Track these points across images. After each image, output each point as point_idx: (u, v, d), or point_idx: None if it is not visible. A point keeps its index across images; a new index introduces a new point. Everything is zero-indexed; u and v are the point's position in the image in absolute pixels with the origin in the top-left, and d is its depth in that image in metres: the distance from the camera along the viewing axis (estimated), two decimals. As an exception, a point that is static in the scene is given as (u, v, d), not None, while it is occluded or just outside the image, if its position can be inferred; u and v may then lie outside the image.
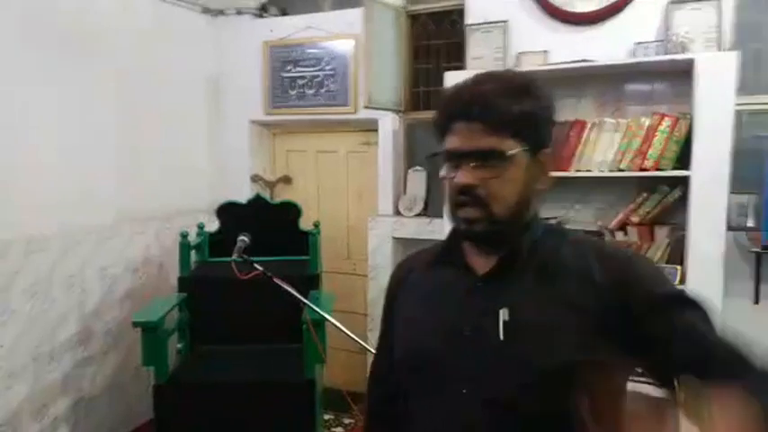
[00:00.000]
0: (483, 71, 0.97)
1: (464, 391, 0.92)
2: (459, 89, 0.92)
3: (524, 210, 0.93)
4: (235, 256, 2.22)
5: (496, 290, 0.93)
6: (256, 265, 2.16)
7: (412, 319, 1.04)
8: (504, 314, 0.90)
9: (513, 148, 0.88)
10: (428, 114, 3.25)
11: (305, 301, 2.21)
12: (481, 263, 0.96)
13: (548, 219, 1.03)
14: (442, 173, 0.94)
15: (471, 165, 0.88)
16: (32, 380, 2.65)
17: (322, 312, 2.21)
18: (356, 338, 2.32)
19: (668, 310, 0.87)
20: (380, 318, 1.17)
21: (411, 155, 3.38)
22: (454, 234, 1.02)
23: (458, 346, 0.94)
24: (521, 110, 0.87)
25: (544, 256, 0.94)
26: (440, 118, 0.93)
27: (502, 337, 0.89)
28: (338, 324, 2.17)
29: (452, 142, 0.90)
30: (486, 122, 0.87)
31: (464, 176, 0.89)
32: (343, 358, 3.31)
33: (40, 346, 2.68)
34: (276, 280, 2.14)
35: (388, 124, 3.29)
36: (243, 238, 2.31)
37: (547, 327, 0.89)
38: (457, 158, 0.90)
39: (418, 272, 1.08)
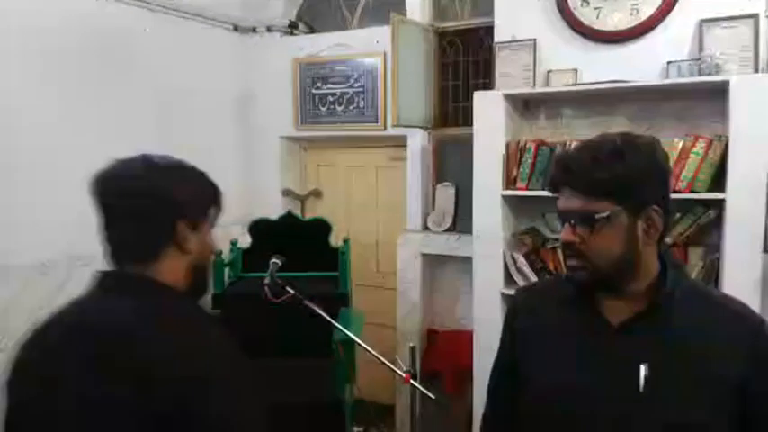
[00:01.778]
0: (598, 135, 1.08)
1: None
2: (562, 157, 1.08)
3: (634, 262, 1.02)
4: (267, 280, 2.26)
5: (635, 342, 1.01)
6: (288, 288, 2.20)
7: (544, 358, 1.10)
8: (644, 369, 0.98)
9: (606, 210, 0.99)
10: (457, 131, 3.27)
11: (335, 324, 2.24)
12: (614, 311, 1.04)
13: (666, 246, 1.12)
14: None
15: (571, 223, 1.02)
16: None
17: (352, 335, 2.25)
18: (385, 361, 2.35)
19: None
20: (499, 345, 1.26)
21: (440, 170, 3.39)
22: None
23: (595, 394, 1.01)
24: (609, 175, 0.98)
25: (686, 315, 1.01)
26: (551, 181, 1.08)
27: (642, 389, 0.97)
28: (368, 348, 2.20)
29: (558, 203, 1.05)
30: (580, 188, 1.00)
31: (565, 234, 1.03)
32: (372, 370, 3.33)
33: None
34: (307, 302, 2.19)
35: (417, 140, 3.31)
36: (276, 261, 2.34)
37: (684, 385, 0.97)
38: (562, 218, 1.04)
39: (543, 308, 1.16)
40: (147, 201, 1.07)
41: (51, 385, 0.98)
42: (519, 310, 1.22)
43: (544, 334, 1.13)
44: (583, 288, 1.06)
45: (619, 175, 0.98)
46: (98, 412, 0.94)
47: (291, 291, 2.21)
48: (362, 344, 2.21)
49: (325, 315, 2.15)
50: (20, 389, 1.04)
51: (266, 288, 2.22)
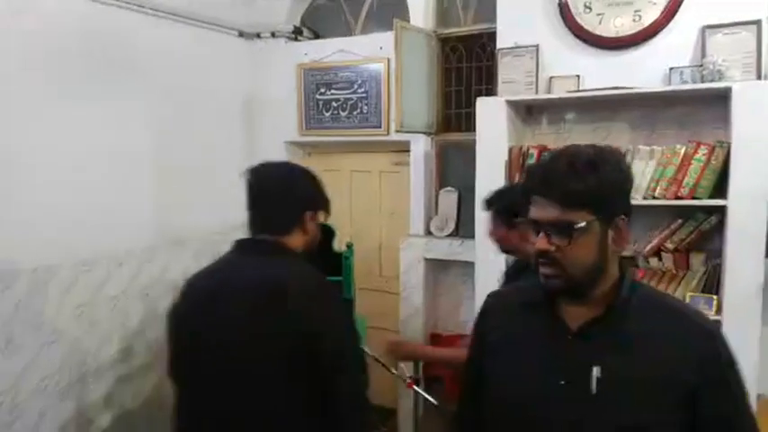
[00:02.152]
0: (566, 146, 1.11)
1: None
2: (538, 166, 1.10)
3: (603, 270, 1.05)
4: None
5: (590, 345, 1.05)
6: None
7: (506, 363, 1.14)
8: (596, 371, 1.02)
9: (583, 220, 1.01)
10: (459, 136, 3.28)
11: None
12: (573, 316, 1.08)
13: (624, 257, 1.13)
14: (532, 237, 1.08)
15: (546, 233, 1.03)
16: (80, 397, 2.77)
17: (364, 348, 2.29)
18: (389, 368, 2.37)
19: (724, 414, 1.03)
20: (468, 348, 1.29)
21: (443, 175, 3.41)
22: None
23: (551, 395, 1.04)
24: (586, 187, 1.00)
25: (641, 321, 1.05)
26: (524, 189, 1.10)
27: (594, 391, 1.01)
28: (376, 356, 2.25)
29: (532, 212, 1.06)
30: (555, 198, 1.01)
31: (541, 243, 1.03)
32: (373, 373, 3.33)
33: (85, 365, 2.80)
34: None
35: (421, 145, 3.32)
36: None
37: (636, 387, 1.00)
38: (536, 227, 1.05)
39: (509, 313, 1.19)
40: (289, 192, 1.52)
41: (223, 321, 1.41)
42: (486, 314, 1.26)
43: (507, 339, 1.16)
44: (554, 295, 1.08)
45: (594, 187, 1.00)
46: (260, 342, 1.37)
47: None
48: (370, 352, 2.25)
49: None
50: (189, 326, 1.48)
51: None
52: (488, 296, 1.31)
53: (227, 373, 1.41)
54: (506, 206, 1.96)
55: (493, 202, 2.05)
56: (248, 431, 1.42)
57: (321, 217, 1.59)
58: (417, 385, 2.35)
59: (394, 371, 2.37)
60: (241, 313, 1.40)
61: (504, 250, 2.06)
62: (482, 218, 2.68)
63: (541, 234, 1.03)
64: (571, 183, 1.00)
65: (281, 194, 1.51)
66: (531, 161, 2.58)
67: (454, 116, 3.33)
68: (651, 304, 1.09)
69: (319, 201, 1.58)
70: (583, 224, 1.00)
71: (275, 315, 1.37)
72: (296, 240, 1.51)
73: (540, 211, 1.04)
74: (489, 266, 2.66)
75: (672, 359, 1.01)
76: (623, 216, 1.05)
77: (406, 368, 2.43)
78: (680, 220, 2.44)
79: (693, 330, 1.05)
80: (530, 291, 1.16)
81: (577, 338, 1.06)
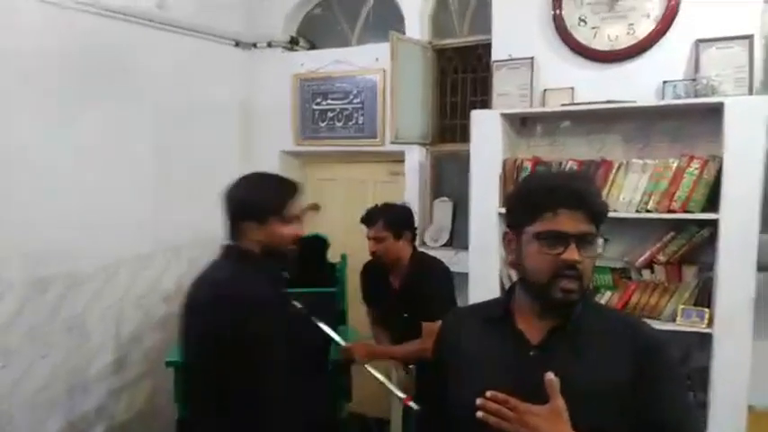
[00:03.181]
0: (562, 171, 1.22)
1: None
2: (563, 183, 1.12)
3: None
4: None
5: (548, 360, 1.07)
6: (296, 303, 2.25)
7: (466, 379, 1.14)
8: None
9: (598, 235, 1.09)
10: (454, 147, 3.29)
11: (341, 342, 2.32)
12: (533, 330, 1.11)
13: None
14: (532, 248, 1.09)
15: (575, 244, 1.06)
16: (70, 409, 2.76)
17: (370, 369, 2.37)
18: (388, 384, 2.38)
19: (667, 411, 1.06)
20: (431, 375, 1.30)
21: (437, 186, 3.42)
22: (507, 299, 1.17)
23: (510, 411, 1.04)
24: (604, 205, 1.12)
25: (588, 328, 1.10)
26: (541, 202, 1.09)
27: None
28: (377, 373, 2.27)
29: (559, 225, 1.06)
30: (587, 213, 1.07)
31: (572, 254, 1.05)
32: (366, 384, 3.34)
33: (76, 375, 2.79)
34: (315, 320, 2.35)
35: (415, 156, 3.33)
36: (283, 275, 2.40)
37: (591, 395, 1.03)
38: (564, 239, 1.06)
39: (468, 333, 1.20)
40: (229, 204, 1.62)
41: (185, 316, 1.61)
42: (446, 331, 1.28)
43: (467, 355, 1.17)
44: (569, 307, 1.10)
45: (606, 206, 1.12)
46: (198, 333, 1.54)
47: (299, 305, 2.27)
48: (372, 370, 2.27)
49: (330, 332, 2.20)
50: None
51: None
52: (448, 313, 1.33)
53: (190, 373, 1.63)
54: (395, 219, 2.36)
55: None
56: None
57: (276, 218, 1.59)
58: (413, 402, 2.35)
59: (392, 387, 2.38)
60: (193, 320, 1.59)
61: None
62: (478, 229, 2.70)
63: (572, 245, 1.06)
64: (599, 200, 1.10)
65: (225, 205, 1.63)
66: (526, 173, 2.59)
67: (449, 127, 3.35)
68: (593, 310, 1.14)
69: (261, 205, 1.60)
70: (601, 238, 1.09)
71: (202, 323, 1.53)
72: (248, 245, 1.60)
73: (570, 223, 1.06)
74: (483, 277, 2.67)
75: (615, 362, 1.07)
76: None
77: (399, 383, 2.44)
78: (672, 233, 2.45)
79: (630, 332, 1.11)
80: (488, 307, 1.21)
81: (537, 351, 1.10)
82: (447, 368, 1.20)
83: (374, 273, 2.63)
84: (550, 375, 1.00)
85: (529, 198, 1.12)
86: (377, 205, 2.57)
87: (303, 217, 1.68)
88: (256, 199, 1.62)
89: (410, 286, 2.43)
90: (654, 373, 1.07)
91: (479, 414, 1.02)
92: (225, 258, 1.63)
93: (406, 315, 2.44)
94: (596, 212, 1.08)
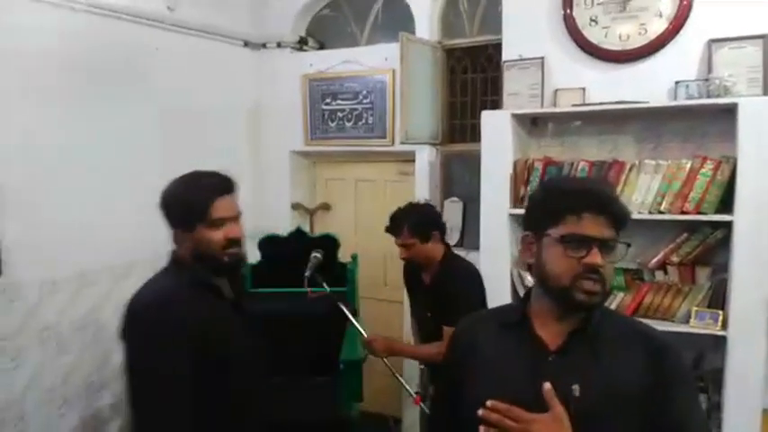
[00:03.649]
0: (583, 178, 1.22)
1: None
2: (587, 188, 1.15)
3: None
4: (307, 273, 2.38)
5: (567, 365, 1.08)
6: (325, 286, 2.36)
7: (482, 382, 1.13)
8: (576, 390, 1.05)
9: (619, 240, 1.10)
10: (465, 146, 3.28)
11: (362, 331, 2.38)
12: (551, 335, 1.11)
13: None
14: (555, 251, 1.09)
15: (598, 249, 1.06)
16: (85, 407, 2.79)
17: (387, 363, 2.36)
18: (402, 382, 2.38)
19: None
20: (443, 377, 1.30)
21: (448, 185, 3.41)
22: (523, 303, 1.17)
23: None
24: (626, 211, 1.12)
25: (606, 335, 1.11)
26: (566, 205, 1.09)
27: (573, 411, 1.03)
28: (391, 368, 2.29)
29: (583, 228, 1.07)
30: (611, 218, 1.08)
31: (595, 257, 1.06)
32: (379, 382, 3.35)
33: (91, 375, 2.82)
34: (341, 305, 2.38)
35: (425, 156, 3.33)
36: (316, 255, 2.44)
37: (610, 399, 1.04)
38: (587, 243, 1.07)
39: (485, 337, 1.20)
40: (160, 211, 1.56)
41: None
42: (462, 333, 1.27)
43: (483, 357, 1.17)
44: (590, 310, 1.11)
45: (628, 212, 1.12)
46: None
47: (327, 288, 2.36)
48: (390, 366, 2.28)
49: (355, 322, 2.30)
50: None
51: (305, 281, 2.38)
52: (460, 321, 1.31)
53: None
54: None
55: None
56: None
57: (201, 224, 1.49)
58: (424, 401, 2.35)
59: (405, 385, 2.38)
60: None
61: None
62: (488, 229, 2.69)
63: (595, 249, 1.07)
64: (621, 206, 1.11)
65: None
66: (536, 174, 2.58)
67: (459, 127, 3.34)
68: (609, 318, 1.16)
69: (180, 213, 1.52)
70: (624, 243, 1.10)
71: (124, 349, 1.48)
72: (181, 252, 1.54)
73: (594, 227, 1.07)
74: (494, 277, 2.66)
75: (632, 370, 1.08)
76: None
77: (412, 382, 2.44)
78: (685, 234, 2.43)
79: (645, 341, 1.12)
80: (503, 312, 1.22)
81: (557, 356, 1.10)
82: (461, 370, 1.20)
83: (413, 265, 2.58)
84: (547, 386, 1.02)
85: (552, 201, 1.13)
86: (399, 209, 2.46)
87: (237, 216, 1.55)
88: (177, 205, 1.52)
89: (437, 286, 2.38)
90: (666, 378, 1.07)
91: (482, 429, 1.02)
92: (165, 267, 1.56)
93: (429, 315, 2.42)
94: (619, 218, 1.09)
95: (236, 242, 1.52)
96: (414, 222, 2.34)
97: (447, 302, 2.23)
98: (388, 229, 2.42)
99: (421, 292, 2.51)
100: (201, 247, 1.49)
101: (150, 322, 1.43)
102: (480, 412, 1.02)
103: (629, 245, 1.11)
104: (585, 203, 1.08)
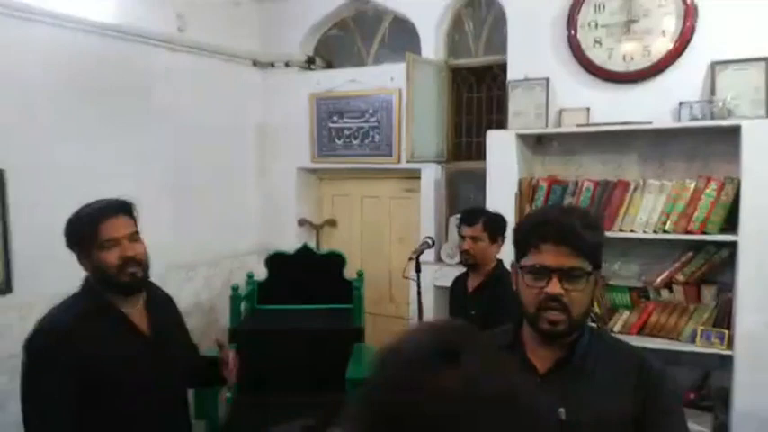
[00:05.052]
0: (559, 206, 1.23)
1: None
2: (548, 218, 1.16)
3: (587, 316, 1.16)
4: (413, 255, 2.60)
5: (555, 387, 1.10)
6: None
7: None
8: (562, 413, 1.08)
9: (588, 268, 1.11)
10: (470, 164, 3.31)
11: None
12: (540, 360, 1.15)
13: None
14: (523, 281, 1.14)
15: (558, 278, 1.09)
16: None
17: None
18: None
19: None
20: None
21: (453, 202, 3.43)
22: (517, 327, 1.21)
23: None
24: (594, 239, 1.12)
25: (593, 358, 1.14)
26: (528, 237, 1.14)
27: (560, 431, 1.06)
28: None
29: (542, 259, 1.11)
30: (572, 247, 1.10)
31: (553, 287, 1.09)
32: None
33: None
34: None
35: (431, 173, 3.35)
36: (427, 241, 2.67)
37: (595, 426, 1.07)
38: (547, 272, 1.10)
39: None
40: None
41: None
42: None
43: None
44: (557, 338, 1.13)
45: (597, 241, 1.14)
46: None
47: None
48: None
49: None
50: None
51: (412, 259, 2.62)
52: None
53: None
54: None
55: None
56: None
57: (92, 248, 1.52)
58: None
59: None
60: None
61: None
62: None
63: (554, 279, 1.09)
64: (587, 235, 1.11)
65: None
66: (542, 193, 2.61)
67: (465, 145, 3.37)
68: (596, 340, 1.18)
69: (74, 242, 1.56)
70: (589, 270, 1.11)
71: None
72: (90, 275, 1.57)
73: (553, 258, 1.10)
74: (500, 297, 2.68)
75: (618, 390, 1.11)
76: (600, 269, 1.17)
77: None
78: (690, 253, 2.45)
79: (630, 360, 1.15)
80: (498, 334, 1.24)
81: (545, 379, 1.13)
82: None
83: (458, 282, 2.61)
84: None
85: (520, 233, 1.18)
86: (477, 205, 2.58)
87: (130, 235, 1.57)
88: (69, 232, 1.56)
89: (485, 286, 2.40)
90: (658, 406, 1.11)
91: None
92: (75, 292, 1.60)
93: (473, 312, 2.42)
94: (582, 247, 1.11)
95: (133, 261, 1.53)
96: (490, 219, 2.38)
97: (495, 298, 2.24)
98: (463, 218, 2.44)
99: (460, 298, 2.55)
100: (99, 269, 1.51)
101: (29, 352, 1.46)
102: None
103: (590, 273, 1.11)
104: (542, 235, 1.12)
